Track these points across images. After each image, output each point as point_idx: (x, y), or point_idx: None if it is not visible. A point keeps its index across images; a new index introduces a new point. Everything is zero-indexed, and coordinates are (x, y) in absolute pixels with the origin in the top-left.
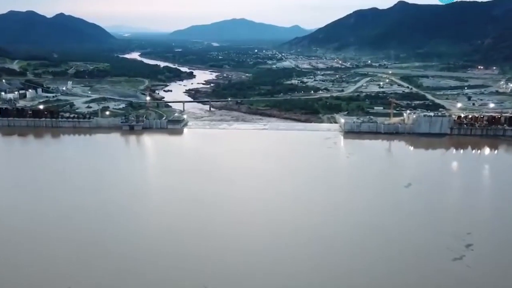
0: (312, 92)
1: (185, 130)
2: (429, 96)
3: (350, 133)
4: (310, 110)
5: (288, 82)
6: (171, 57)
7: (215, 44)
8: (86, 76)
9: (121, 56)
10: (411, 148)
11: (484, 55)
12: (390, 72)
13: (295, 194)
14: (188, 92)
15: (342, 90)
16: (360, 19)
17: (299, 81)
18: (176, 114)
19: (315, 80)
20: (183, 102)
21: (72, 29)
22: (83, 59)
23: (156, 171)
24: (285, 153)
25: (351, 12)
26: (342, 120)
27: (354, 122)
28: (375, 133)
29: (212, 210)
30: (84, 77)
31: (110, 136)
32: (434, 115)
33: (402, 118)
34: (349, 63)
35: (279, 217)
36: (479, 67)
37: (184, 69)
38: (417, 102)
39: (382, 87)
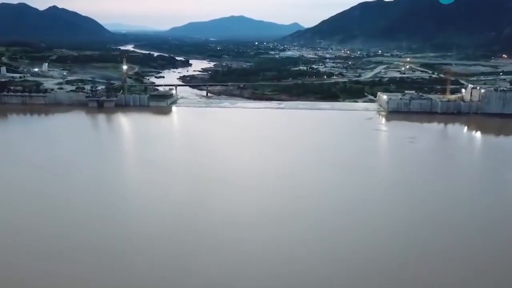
0: (325, 77)
1: (174, 108)
2: (463, 82)
3: (396, 112)
4: (327, 94)
5: (296, 68)
6: (167, 48)
7: (213, 39)
8: (69, 61)
9: (113, 47)
10: (486, 132)
11: (505, 45)
12: (408, 59)
13: (370, 207)
14: (183, 78)
15: (359, 76)
16: (366, 11)
17: (308, 67)
18: (161, 89)
19: (325, 67)
20: (175, 85)
21: (65, 22)
22: (71, 49)
23: (131, 167)
24: (319, 140)
25: (356, 4)
26: (384, 97)
27: (401, 99)
28: (428, 113)
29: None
30: (66, 62)
31: (71, 115)
32: (508, 90)
33: (459, 95)
34: (358, 53)
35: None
36: (503, 55)
37: (180, 58)
38: (452, 86)
39: (404, 73)
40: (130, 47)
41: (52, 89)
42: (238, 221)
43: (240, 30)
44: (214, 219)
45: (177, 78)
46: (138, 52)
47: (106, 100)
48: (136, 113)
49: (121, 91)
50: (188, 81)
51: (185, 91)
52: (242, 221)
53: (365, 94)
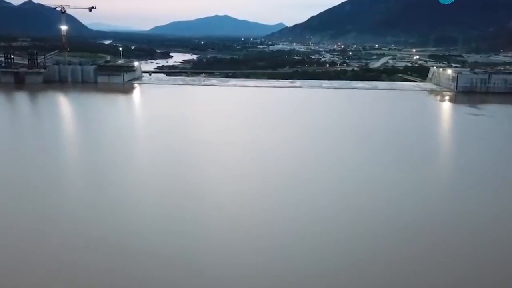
0: (327, 66)
1: (137, 87)
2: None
3: (469, 93)
4: None
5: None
6: (147, 43)
7: (197, 37)
8: (29, 49)
9: (91, 40)
10: None
11: (510, 38)
12: (414, 50)
13: None
14: (161, 68)
15: (366, 64)
16: (356, 7)
17: (305, 57)
18: (120, 61)
19: (324, 57)
20: (149, 72)
21: (41, 18)
22: (42, 41)
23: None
24: (401, 132)
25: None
26: (449, 72)
27: (476, 73)
28: None
29: None
30: (26, 50)
31: None
32: None
33: None
34: (354, 47)
35: None
36: None
37: (160, 51)
38: None
39: (416, 63)
40: (108, 42)
41: None
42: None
43: (225, 30)
44: None
45: (154, 68)
46: (115, 45)
47: (28, 73)
48: (74, 93)
49: (59, 62)
50: (166, 72)
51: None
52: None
53: (399, 75)
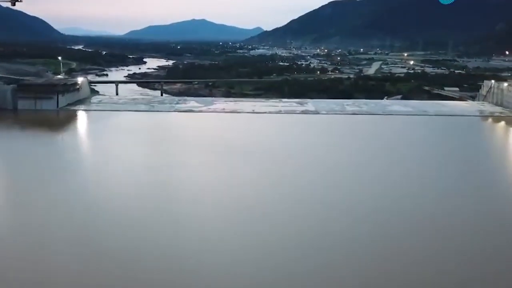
0: (318, 73)
1: (77, 117)
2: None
3: None
4: (335, 93)
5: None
6: (120, 47)
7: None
8: None
9: (60, 45)
10: None
11: (501, 41)
12: (405, 55)
13: None
14: (132, 76)
15: (360, 71)
16: (338, 10)
17: (291, 63)
18: (58, 76)
19: (311, 63)
20: (116, 82)
21: (8, 21)
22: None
23: None
24: None
25: (326, 3)
26: None
27: None
28: None
29: None
30: None
31: None
32: None
33: None
34: (338, 51)
35: None
36: (506, 52)
37: (132, 56)
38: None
39: (413, 69)
40: (80, 47)
41: None
42: None
43: (202, 34)
44: None
45: (124, 76)
46: (85, 50)
47: None
48: None
49: None
50: (138, 79)
51: (130, 92)
52: None
53: (425, 88)
